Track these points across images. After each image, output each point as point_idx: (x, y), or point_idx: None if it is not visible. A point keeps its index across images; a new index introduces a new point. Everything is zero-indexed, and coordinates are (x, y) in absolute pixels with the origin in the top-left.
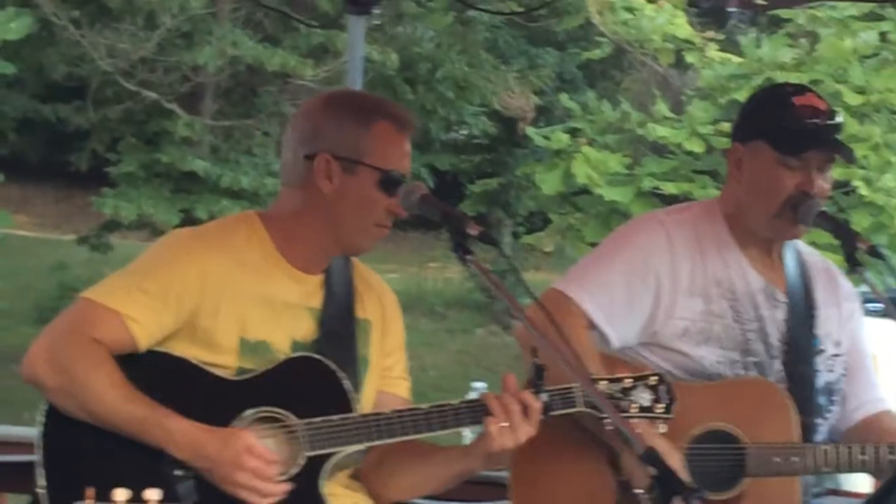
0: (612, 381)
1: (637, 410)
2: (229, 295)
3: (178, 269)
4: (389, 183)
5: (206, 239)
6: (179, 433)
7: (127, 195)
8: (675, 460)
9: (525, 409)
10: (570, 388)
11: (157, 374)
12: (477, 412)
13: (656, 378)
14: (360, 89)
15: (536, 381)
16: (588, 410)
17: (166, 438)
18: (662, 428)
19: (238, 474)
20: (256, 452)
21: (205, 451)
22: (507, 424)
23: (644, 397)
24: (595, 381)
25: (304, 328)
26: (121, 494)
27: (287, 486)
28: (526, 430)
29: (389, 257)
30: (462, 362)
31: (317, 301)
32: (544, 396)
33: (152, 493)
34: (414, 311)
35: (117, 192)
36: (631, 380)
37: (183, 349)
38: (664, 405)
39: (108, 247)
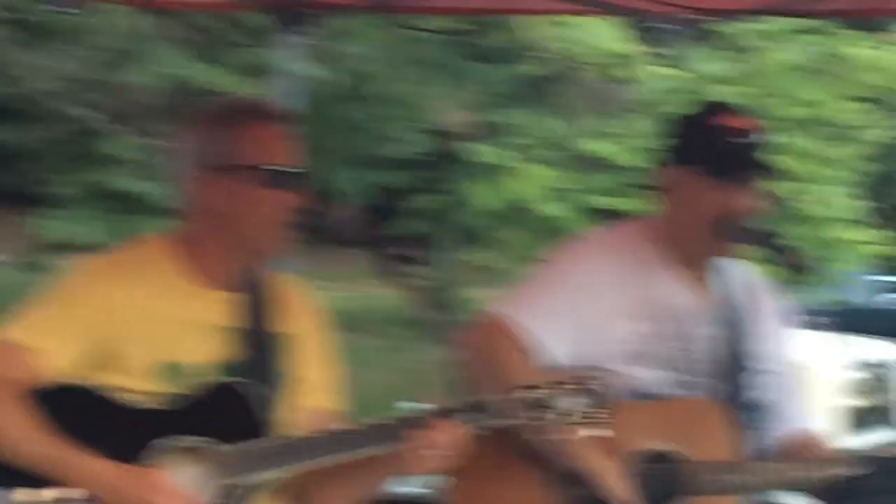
0: (538, 388)
1: (565, 417)
2: (140, 320)
3: (86, 299)
4: (273, 178)
5: (112, 265)
6: (90, 472)
7: (62, 216)
8: (613, 477)
9: (447, 434)
10: (495, 399)
11: (70, 406)
12: (396, 431)
13: (593, 381)
14: (289, 108)
15: (462, 394)
16: (513, 422)
17: (78, 477)
18: (599, 433)
19: None
20: (169, 491)
21: (117, 491)
22: (430, 452)
23: (579, 402)
24: (526, 387)
25: (219, 349)
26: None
27: None
28: (449, 454)
29: (331, 275)
30: (407, 380)
31: (231, 319)
32: (468, 416)
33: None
34: (357, 329)
35: (52, 212)
36: (559, 385)
37: (99, 377)
38: (594, 410)
39: (43, 268)
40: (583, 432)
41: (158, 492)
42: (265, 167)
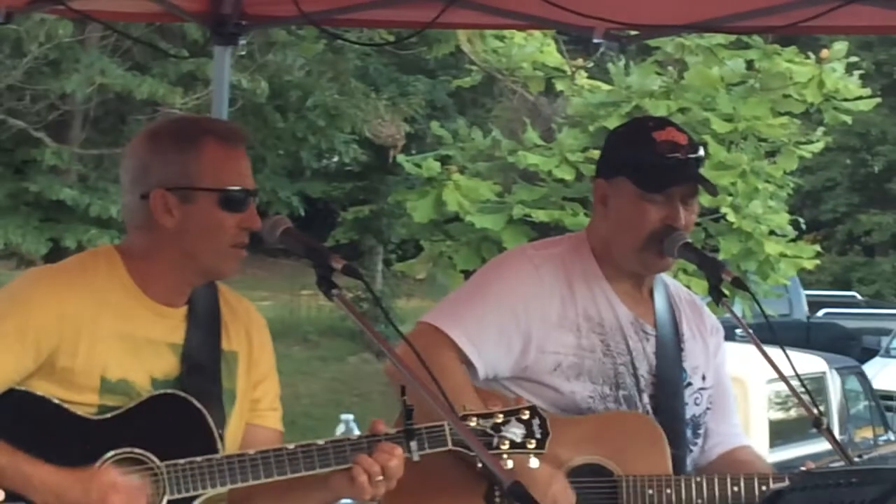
0: (482, 416)
1: (508, 446)
2: (89, 334)
3: (36, 310)
4: (231, 201)
5: (64, 277)
6: (39, 480)
7: None
8: (559, 485)
9: (396, 459)
10: (440, 426)
11: (17, 413)
12: (343, 453)
13: (528, 412)
14: (224, 118)
15: (406, 422)
16: (457, 448)
17: (26, 485)
18: (534, 462)
19: None
20: (122, 488)
21: (67, 495)
22: (378, 476)
23: (515, 432)
24: (465, 417)
25: (165, 365)
26: None
27: None
28: (394, 479)
29: (262, 284)
30: (335, 390)
31: (179, 336)
32: (413, 444)
33: None
34: (287, 338)
35: None
36: (502, 415)
37: (44, 388)
38: (536, 440)
39: None
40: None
41: (111, 490)
42: (223, 190)
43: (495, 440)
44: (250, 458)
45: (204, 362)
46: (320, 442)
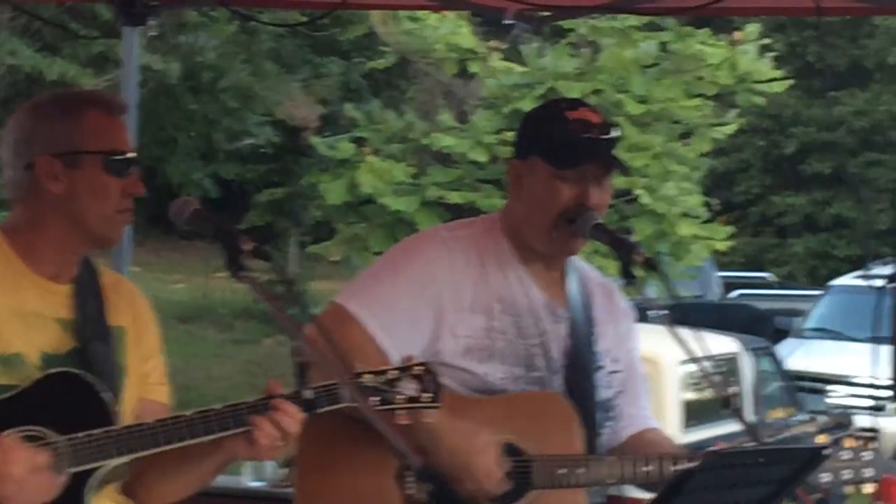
0: (375, 373)
1: (404, 400)
2: None
3: None
4: (115, 165)
5: None
6: None
7: None
8: (490, 457)
9: (292, 418)
10: (335, 384)
11: None
12: (240, 415)
13: (421, 367)
14: (135, 100)
15: (300, 379)
16: (354, 405)
17: None
18: (430, 418)
19: (6, 487)
20: (17, 450)
21: None
22: (276, 436)
23: (410, 387)
24: (358, 374)
25: (55, 340)
26: None
27: (62, 480)
28: (292, 436)
29: (176, 267)
30: (250, 372)
31: (67, 311)
32: (309, 393)
33: None
34: (201, 321)
35: None
36: (396, 371)
37: None
38: (431, 394)
39: None
40: (418, 416)
41: (7, 454)
42: (107, 154)
43: (390, 395)
44: (149, 427)
45: (94, 338)
46: (217, 407)
